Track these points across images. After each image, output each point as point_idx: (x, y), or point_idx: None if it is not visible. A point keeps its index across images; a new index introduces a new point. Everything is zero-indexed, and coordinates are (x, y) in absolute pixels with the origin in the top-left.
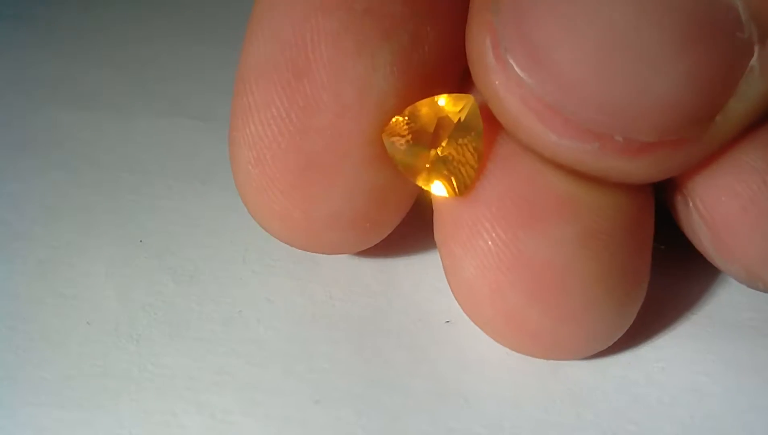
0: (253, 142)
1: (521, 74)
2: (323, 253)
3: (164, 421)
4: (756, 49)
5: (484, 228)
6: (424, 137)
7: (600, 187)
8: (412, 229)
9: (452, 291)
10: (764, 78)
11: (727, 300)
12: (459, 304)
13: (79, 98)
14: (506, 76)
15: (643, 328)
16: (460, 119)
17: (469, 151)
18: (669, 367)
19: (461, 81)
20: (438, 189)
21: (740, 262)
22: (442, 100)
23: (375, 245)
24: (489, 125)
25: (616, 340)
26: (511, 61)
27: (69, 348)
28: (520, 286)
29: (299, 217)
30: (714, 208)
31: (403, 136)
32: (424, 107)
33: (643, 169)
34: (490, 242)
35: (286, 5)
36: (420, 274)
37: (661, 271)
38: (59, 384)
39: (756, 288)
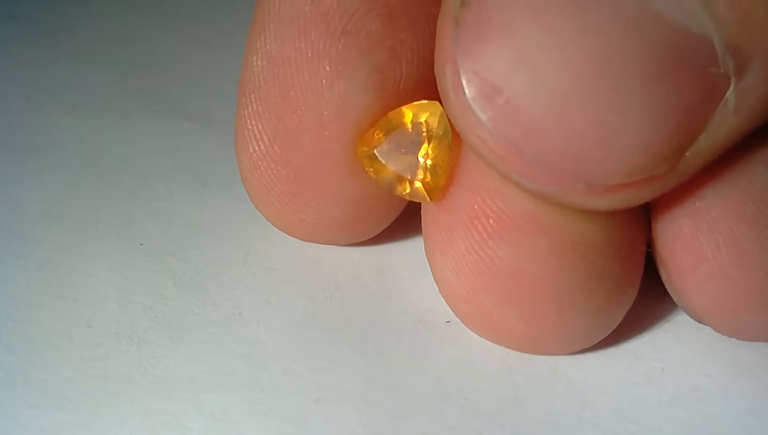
0: (248, 152)
1: (480, 114)
2: (324, 244)
3: (165, 422)
4: (732, 82)
5: (457, 234)
6: (399, 145)
7: None
8: (412, 229)
9: (437, 288)
10: (738, 111)
11: None
12: (443, 299)
13: (80, 100)
14: (466, 115)
15: (643, 328)
16: (429, 127)
17: (440, 157)
18: (669, 367)
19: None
20: (414, 195)
21: (688, 304)
22: (412, 109)
23: (375, 246)
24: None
25: (599, 340)
26: (470, 101)
27: (69, 350)
28: (493, 291)
29: (294, 220)
30: (670, 254)
31: (378, 147)
32: (395, 116)
33: (608, 205)
34: (463, 248)
35: (277, 23)
36: (420, 275)
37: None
38: (60, 386)
39: (701, 324)
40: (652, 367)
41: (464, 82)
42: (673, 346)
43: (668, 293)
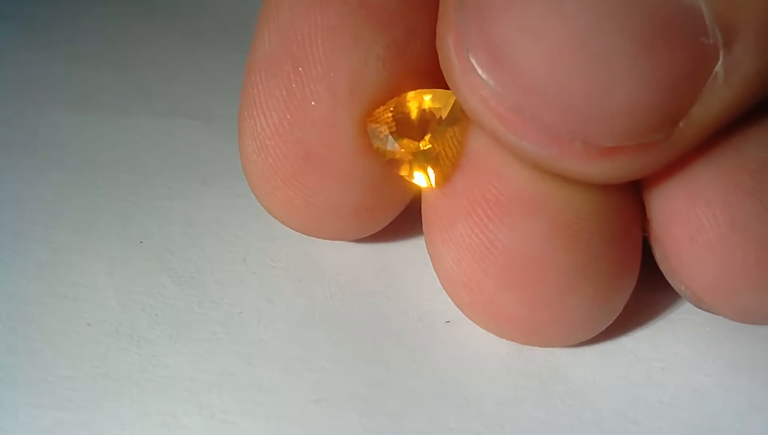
0: (256, 133)
1: (482, 75)
2: (326, 239)
3: (164, 422)
4: (720, 54)
5: (458, 220)
6: (406, 128)
7: (571, 182)
8: (413, 228)
9: (438, 278)
10: (728, 85)
11: None
12: (444, 290)
13: (79, 99)
14: (468, 77)
15: (643, 328)
16: (442, 115)
17: (451, 145)
18: (669, 367)
19: None
20: (417, 179)
21: (686, 284)
22: (428, 95)
23: (375, 245)
24: (465, 120)
25: (600, 329)
26: (473, 62)
27: (69, 349)
28: (494, 275)
29: (300, 205)
30: (665, 231)
31: (386, 125)
32: (409, 99)
33: (603, 172)
34: (463, 233)
35: (291, 2)
36: (420, 274)
37: (661, 273)
38: (59, 385)
39: (700, 308)
40: (652, 367)
41: (467, 45)
42: (674, 346)
43: (669, 293)
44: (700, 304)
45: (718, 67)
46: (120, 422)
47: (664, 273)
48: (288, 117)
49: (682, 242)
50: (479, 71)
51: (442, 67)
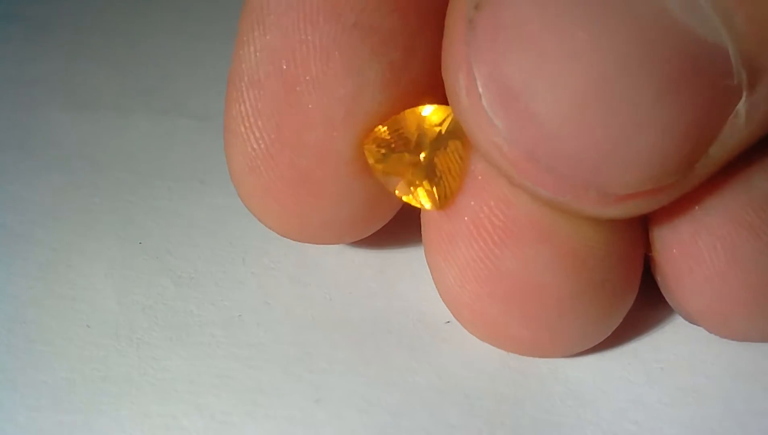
0: (247, 152)
1: (495, 120)
2: (322, 245)
3: (164, 424)
4: (744, 94)
5: (462, 242)
6: (404, 146)
7: None
8: (411, 229)
9: (438, 293)
10: (749, 125)
11: None
12: (445, 305)
13: (77, 98)
14: (480, 120)
15: (643, 328)
16: (441, 130)
17: (453, 160)
18: (668, 367)
19: None
20: (419, 201)
21: (683, 307)
22: (426, 110)
23: (374, 246)
24: (468, 140)
25: (599, 341)
26: (485, 106)
27: (69, 351)
28: (497, 298)
29: (294, 222)
30: (667, 260)
31: (385, 145)
32: (406, 117)
33: (617, 213)
34: (467, 256)
35: (277, 13)
36: (420, 275)
37: None
38: (59, 387)
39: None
40: (652, 368)
41: (480, 87)
42: (673, 347)
43: None
44: (696, 324)
45: (740, 106)
46: (120, 424)
47: (663, 293)
48: (281, 140)
49: (682, 272)
50: (491, 116)
51: (448, 97)
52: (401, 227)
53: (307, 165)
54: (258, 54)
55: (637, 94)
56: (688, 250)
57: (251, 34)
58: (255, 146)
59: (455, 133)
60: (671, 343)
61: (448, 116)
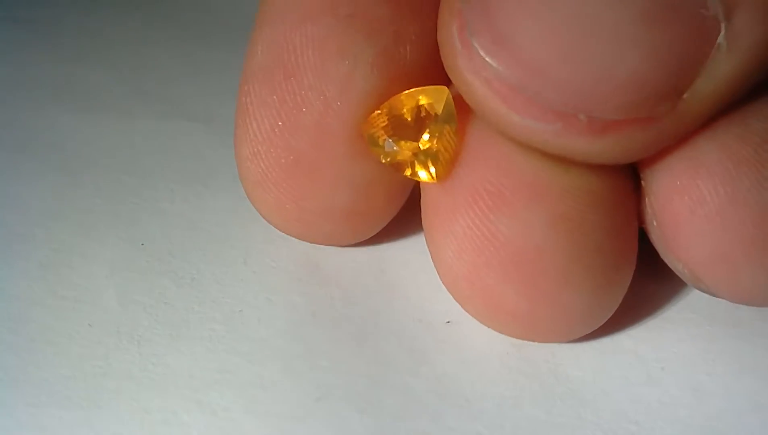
0: (249, 139)
1: (486, 57)
2: (321, 244)
3: (164, 420)
4: (722, 26)
5: (459, 213)
6: (402, 129)
7: (570, 170)
8: (412, 230)
9: (438, 273)
10: (731, 56)
11: None
12: (444, 285)
13: (80, 100)
14: (471, 59)
15: (643, 328)
16: (437, 111)
17: (448, 140)
18: (669, 366)
19: (446, 76)
20: (420, 176)
21: (684, 262)
22: (421, 93)
23: (375, 247)
24: (463, 114)
25: (599, 324)
26: (476, 45)
27: (70, 349)
28: (495, 267)
29: (292, 209)
30: (665, 205)
31: (383, 129)
32: (403, 99)
33: (608, 149)
34: (464, 225)
35: (283, 14)
36: (420, 275)
37: (661, 271)
38: (60, 384)
39: (699, 289)
40: (652, 367)
41: (471, 29)
42: (673, 346)
43: (669, 293)
44: (698, 283)
45: (720, 38)
46: (120, 420)
47: (661, 253)
48: (279, 123)
49: (682, 215)
50: (482, 54)
51: (442, 55)
52: (402, 228)
53: (304, 147)
54: (262, 50)
55: (618, 24)
56: (688, 192)
57: (259, 34)
58: (257, 131)
59: (450, 113)
60: (671, 342)
61: (443, 97)
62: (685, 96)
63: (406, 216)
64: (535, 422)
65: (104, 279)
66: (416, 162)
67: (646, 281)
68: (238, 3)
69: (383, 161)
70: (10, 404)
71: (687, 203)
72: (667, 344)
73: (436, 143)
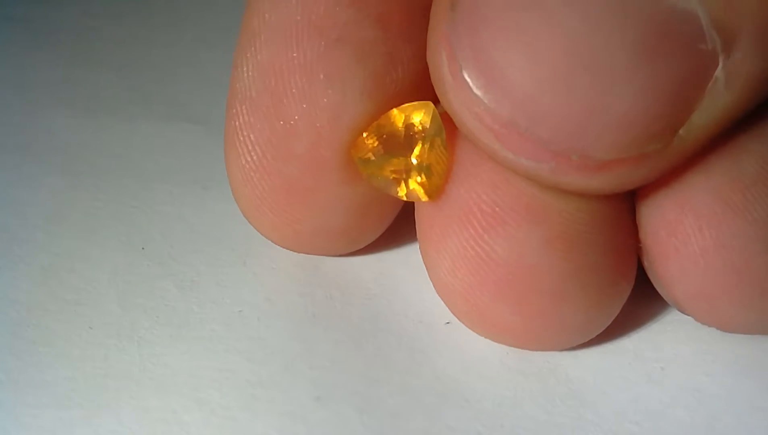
0: (241, 165)
1: (477, 92)
2: (319, 256)
3: (164, 418)
4: (720, 60)
5: (453, 231)
6: (393, 146)
7: (568, 194)
8: (411, 232)
9: (433, 286)
10: (729, 90)
11: None
12: (440, 298)
13: (80, 102)
14: (462, 92)
15: (643, 328)
16: (425, 126)
17: (438, 153)
18: (669, 367)
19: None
20: (410, 195)
21: (668, 292)
22: (409, 109)
23: (375, 248)
24: (452, 129)
25: (595, 334)
26: (467, 78)
27: (71, 352)
28: (490, 286)
29: (288, 230)
30: (653, 240)
31: (372, 151)
32: (390, 117)
33: (602, 184)
34: (458, 244)
35: (267, 34)
36: (420, 277)
37: None
38: (60, 386)
39: (686, 315)
40: (653, 367)
41: (461, 61)
42: (673, 346)
43: None
44: (684, 311)
45: (718, 72)
46: (119, 419)
47: (652, 280)
48: (271, 151)
49: (668, 252)
50: (473, 87)
51: (433, 81)
52: (401, 230)
53: (297, 174)
54: (249, 73)
55: (611, 58)
56: (674, 230)
57: (244, 56)
58: (248, 158)
59: (439, 126)
60: (672, 342)
61: (426, 112)
62: (680, 132)
63: (405, 219)
64: (535, 422)
65: (105, 283)
66: (409, 179)
67: (646, 283)
68: (239, 4)
69: (375, 185)
70: (12, 405)
71: (672, 241)
72: (667, 345)
73: (428, 156)
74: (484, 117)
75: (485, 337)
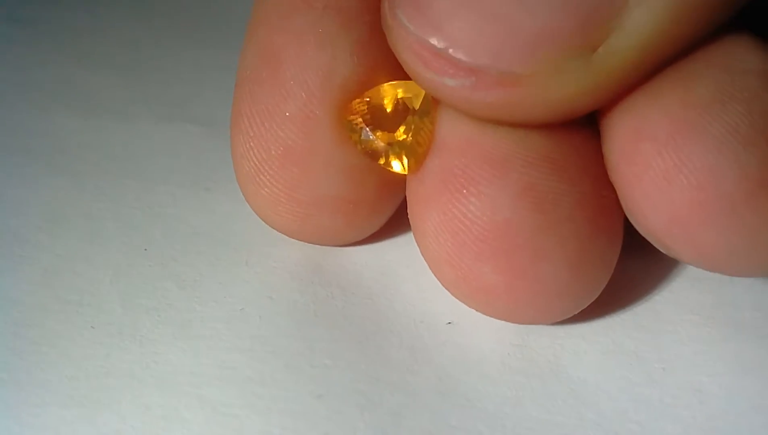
0: (242, 137)
1: (408, 25)
2: (319, 244)
3: (165, 416)
4: None
5: (433, 199)
6: (381, 119)
7: (527, 138)
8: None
9: (427, 264)
10: (646, 11)
11: (728, 299)
12: (432, 273)
13: (82, 103)
14: (398, 30)
15: (644, 328)
16: (415, 105)
17: (423, 135)
18: (670, 367)
19: None
20: (394, 167)
21: (644, 227)
22: (401, 87)
23: (376, 247)
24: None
25: (582, 305)
26: (400, 16)
27: (72, 351)
28: (469, 246)
29: (285, 201)
30: (615, 171)
31: (362, 117)
32: (383, 91)
33: (534, 104)
34: (438, 211)
35: (266, 17)
36: (421, 276)
37: (661, 272)
38: (62, 385)
39: (670, 255)
40: (654, 367)
41: (397, 6)
42: (674, 346)
43: (669, 292)
44: (667, 250)
45: None
46: (121, 417)
47: (633, 223)
48: (267, 117)
49: (632, 183)
50: (405, 22)
51: (385, 34)
52: (401, 230)
53: (292, 137)
54: (252, 53)
55: None
56: (633, 159)
57: (249, 40)
58: (248, 129)
59: (426, 108)
60: (672, 342)
61: (420, 92)
62: (599, 50)
63: (406, 217)
64: (537, 422)
65: (107, 283)
66: (390, 153)
67: (646, 282)
68: (240, 5)
69: (358, 148)
70: (14, 404)
71: (633, 170)
72: (668, 345)
73: (411, 137)
74: (414, 45)
75: (475, 308)
